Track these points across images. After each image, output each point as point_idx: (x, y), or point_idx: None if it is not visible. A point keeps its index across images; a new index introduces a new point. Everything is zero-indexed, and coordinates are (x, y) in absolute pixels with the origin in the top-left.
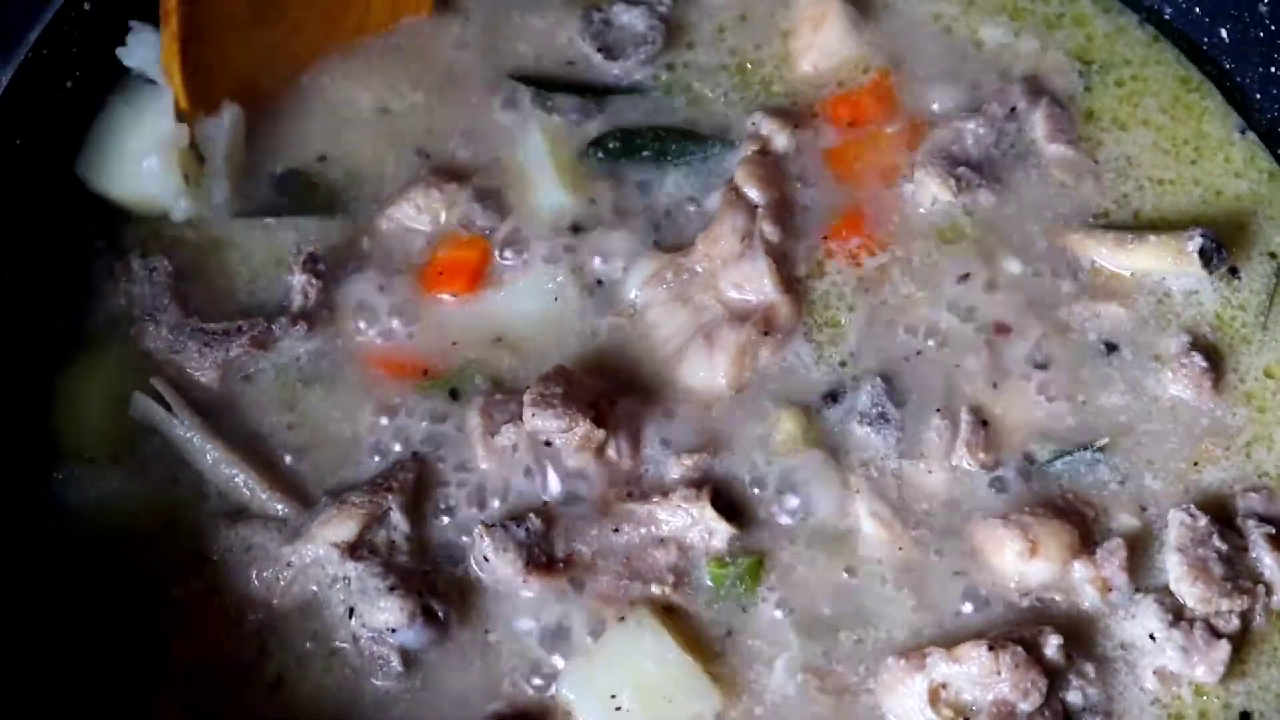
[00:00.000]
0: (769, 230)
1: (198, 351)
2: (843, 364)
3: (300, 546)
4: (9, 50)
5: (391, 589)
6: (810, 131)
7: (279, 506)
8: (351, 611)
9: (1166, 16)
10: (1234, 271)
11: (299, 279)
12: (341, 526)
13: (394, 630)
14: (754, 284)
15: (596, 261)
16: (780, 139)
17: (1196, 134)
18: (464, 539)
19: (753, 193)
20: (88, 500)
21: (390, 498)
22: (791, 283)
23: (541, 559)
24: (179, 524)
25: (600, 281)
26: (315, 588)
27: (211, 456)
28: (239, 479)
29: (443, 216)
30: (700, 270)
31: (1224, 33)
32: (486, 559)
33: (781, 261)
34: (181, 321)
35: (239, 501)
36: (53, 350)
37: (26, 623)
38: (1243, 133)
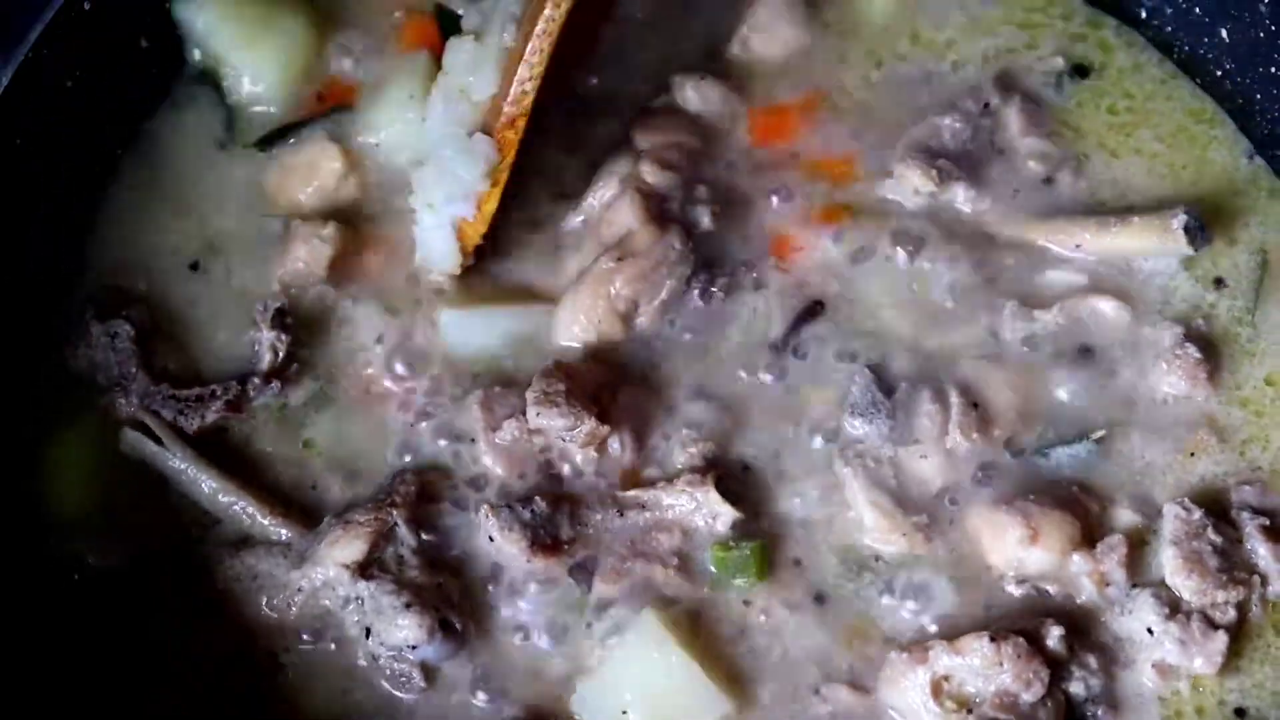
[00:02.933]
0: (647, 169)
1: (172, 419)
2: (828, 354)
3: (309, 570)
4: (9, 50)
5: (408, 605)
6: (745, 100)
7: (282, 531)
8: (368, 631)
9: (1167, 16)
10: (1219, 283)
11: (267, 335)
12: (349, 547)
13: (414, 647)
14: (621, 217)
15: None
16: (687, 94)
17: (1198, 161)
18: (472, 537)
19: (639, 139)
20: (84, 561)
21: (395, 513)
22: (664, 215)
23: (546, 540)
24: (182, 561)
25: None
26: (328, 610)
27: (209, 487)
28: (238, 507)
29: (329, 258)
30: (586, 218)
31: (1224, 33)
32: (492, 538)
33: (659, 198)
34: (151, 390)
35: (241, 530)
36: (32, 413)
37: (32, 653)
38: (1250, 159)
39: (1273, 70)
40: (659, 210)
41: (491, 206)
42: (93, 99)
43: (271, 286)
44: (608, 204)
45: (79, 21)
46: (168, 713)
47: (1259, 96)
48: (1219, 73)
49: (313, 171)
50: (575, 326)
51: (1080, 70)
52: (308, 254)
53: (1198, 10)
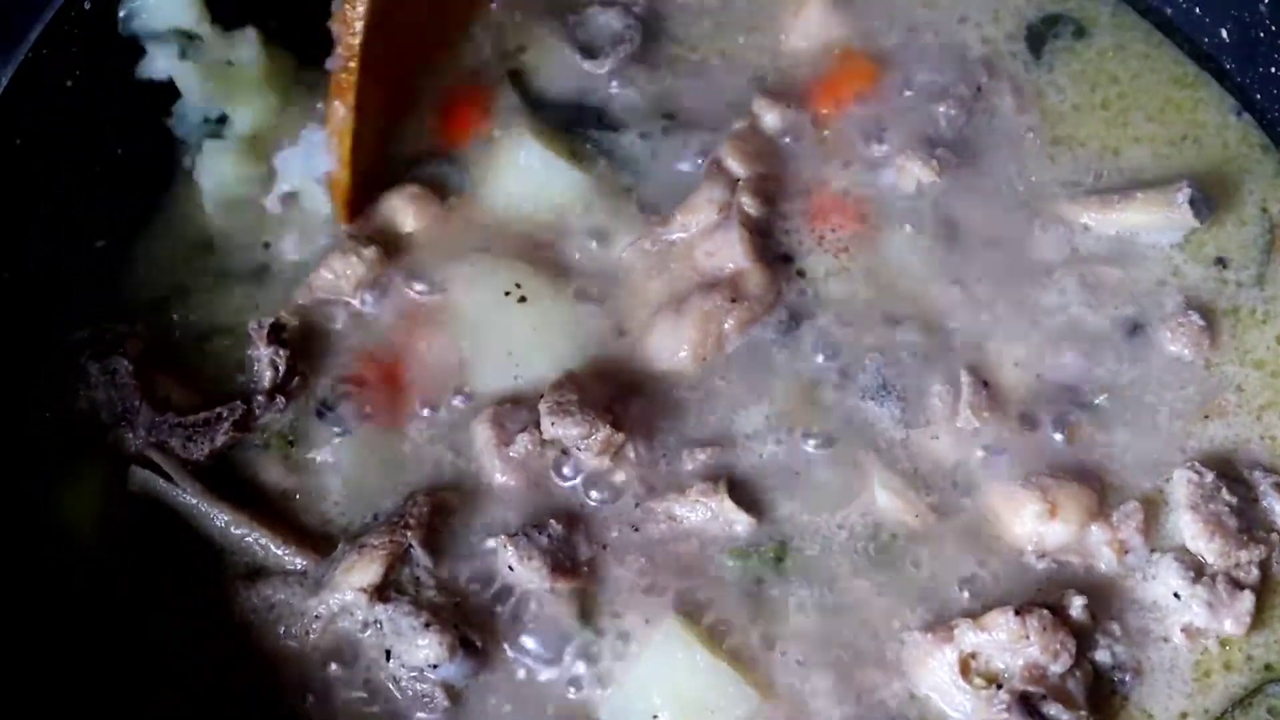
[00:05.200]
0: (748, 202)
1: (181, 447)
2: (838, 340)
3: (326, 596)
4: (9, 50)
5: (427, 625)
6: (804, 113)
7: (297, 560)
8: (389, 654)
9: (1167, 16)
10: (1222, 263)
11: (264, 352)
12: (365, 570)
13: (435, 666)
14: (727, 252)
15: (582, 238)
16: (770, 117)
17: (1193, 124)
18: (488, 559)
19: (735, 166)
20: (98, 596)
21: (409, 534)
22: (768, 254)
23: (566, 563)
24: (198, 595)
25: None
26: (347, 635)
27: (220, 520)
28: (250, 538)
29: (359, 278)
30: (677, 240)
31: (1224, 33)
32: (512, 568)
33: (760, 234)
34: (156, 421)
35: (255, 561)
36: (38, 460)
37: (33, 653)
38: (1239, 115)
39: (1273, 70)
40: (764, 247)
41: (345, 150)
42: (93, 99)
43: (299, 295)
44: (707, 232)
45: (79, 21)
46: (168, 713)
47: (1259, 97)
48: (1219, 72)
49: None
50: (682, 354)
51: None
52: (343, 268)
53: (1197, 10)
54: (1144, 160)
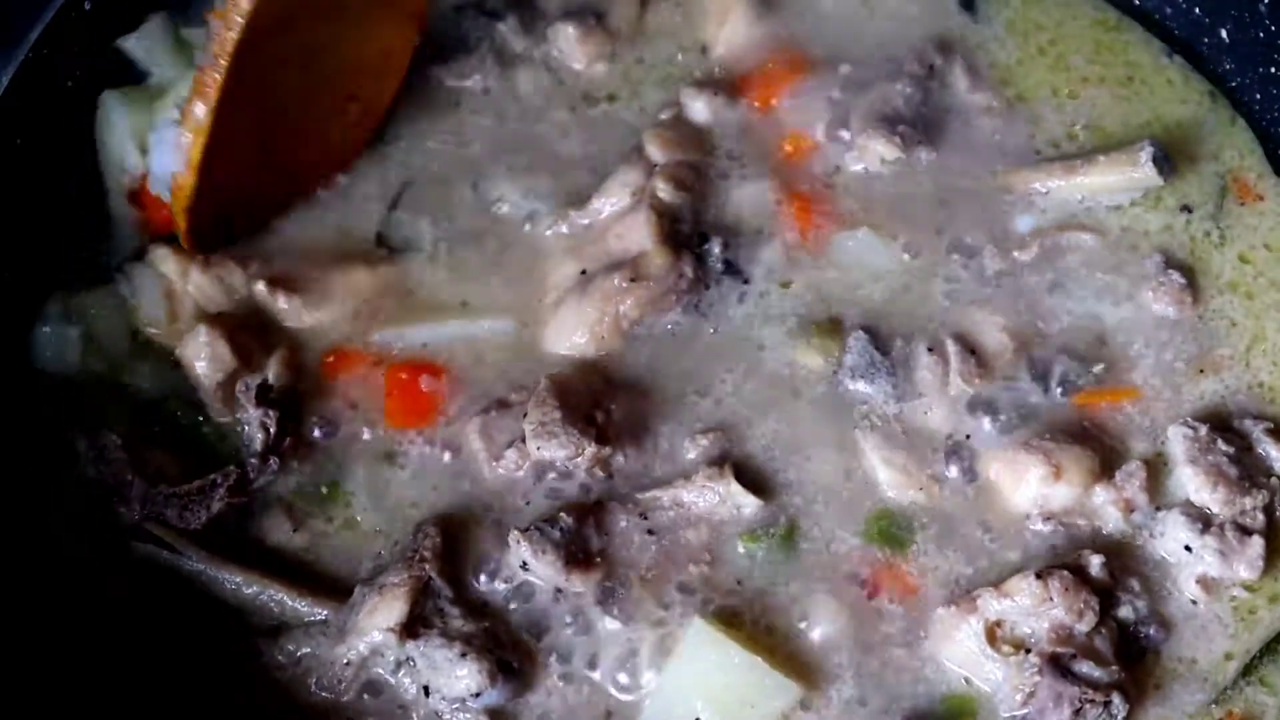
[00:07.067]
0: (662, 187)
1: (178, 516)
2: (822, 322)
3: (354, 642)
4: (9, 50)
5: (463, 655)
6: (741, 105)
7: (316, 610)
8: (427, 689)
9: (1167, 16)
10: (1187, 209)
11: (254, 414)
12: (390, 610)
13: (477, 695)
14: (635, 234)
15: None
16: (697, 106)
17: (1129, 65)
18: (506, 572)
19: (654, 152)
20: (117, 668)
21: (426, 567)
22: (677, 239)
23: (579, 555)
24: (219, 661)
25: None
26: (381, 677)
27: (230, 583)
28: (265, 596)
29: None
30: (591, 224)
31: (1224, 33)
32: (525, 563)
33: (672, 218)
34: (150, 493)
35: (274, 617)
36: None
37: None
38: (1170, 57)
39: (1273, 70)
40: (672, 231)
41: (196, 154)
42: (93, 99)
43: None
44: (618, 215)
45: (79, 21)
46: None
47: (1259, 96)
48: (1219, 72)
49: None
50: (577, 336)
51: None
52: (210, 358)
53: (1197, 10)
54: (1105, 107)
